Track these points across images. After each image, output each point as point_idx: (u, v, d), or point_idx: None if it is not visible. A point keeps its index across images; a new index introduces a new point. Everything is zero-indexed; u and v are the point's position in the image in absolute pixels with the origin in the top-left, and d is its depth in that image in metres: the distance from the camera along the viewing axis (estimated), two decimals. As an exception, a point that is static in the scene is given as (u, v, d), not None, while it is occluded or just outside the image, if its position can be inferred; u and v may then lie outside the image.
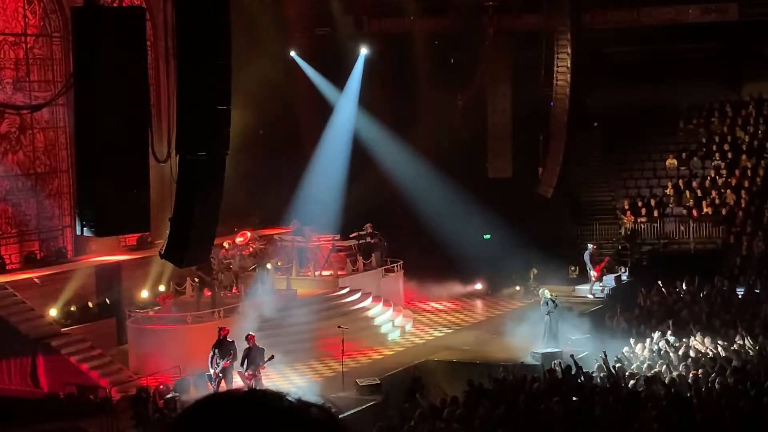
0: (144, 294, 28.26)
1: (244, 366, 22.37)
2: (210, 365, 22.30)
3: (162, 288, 28.92)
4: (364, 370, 24.75)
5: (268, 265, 29.17)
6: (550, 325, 25.77)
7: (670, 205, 36.14)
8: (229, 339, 22.60)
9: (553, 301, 25.91)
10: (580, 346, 24.67)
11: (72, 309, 26.89)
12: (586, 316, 28.23)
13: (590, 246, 32.98)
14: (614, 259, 34.45)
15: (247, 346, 22.51)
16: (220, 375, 22.07)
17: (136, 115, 17.33)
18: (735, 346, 22.32)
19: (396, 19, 38.04)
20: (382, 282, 31.26)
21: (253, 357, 22.39)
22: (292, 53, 36.73)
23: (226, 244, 28.78)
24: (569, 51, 35.31)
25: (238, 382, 22.73)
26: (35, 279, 26.72)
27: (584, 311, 29.24)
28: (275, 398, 1.81)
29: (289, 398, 1.81)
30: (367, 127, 35.97)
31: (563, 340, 25.60)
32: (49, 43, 29.76)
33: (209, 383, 22.29)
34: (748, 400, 17.27)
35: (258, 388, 21.78)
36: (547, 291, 26.83)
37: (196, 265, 23.48)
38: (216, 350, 22.34)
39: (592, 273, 32.36)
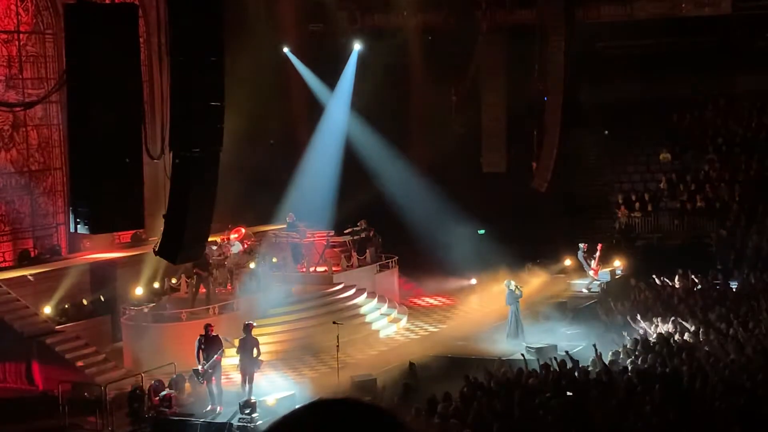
0: (138, 291, 28.20)
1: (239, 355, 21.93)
2: (197, 361, 21.52)
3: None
4: (359, 366, 24.73)
5: (263, 261, 29.13)
6: (517, 317, 25.92)
7: (664, 199, 36.17)
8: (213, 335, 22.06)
9: (515, 291, 26.06)
10: (575, 340, 24.68)
11: (66, 306, 26.82)
12: (581, 311, 28.28)
13: (581, 245, 32.87)
14: (607, 253, 34.39)
15: (243, 335, 22.01)
16: (210, 371, 21.47)
17: (130, 112, 17.30)
18: (729, 339, 22.33)
19: (389, 15, 38.05)
20: (377, 278, 31.24)
21: (247, 347, 21.83)
22: (285, 49, 36.69)
23: (220, 241, 28.76)
24: (563, 45, 35.24)
25: (231, 378, 22.69)
26: (29, 277, 26.66)
27: (579, 306, 29.26)
28: (368, 405, 1.88)
29: (376, 405, 1.88)
30: (361, 123, 35.94)
31: (527, 333, 25.69)
32: (42, 41, 29.69)
33: (199, 380, 21.68)
34: (744, 393, 17.28)
35: (249, 381, 21.58)
36: (512, 281, 26.95)
37: (190, 261, 23.35)
38: (203, 346, 21.49)
39: (590, 272, 32.25)
